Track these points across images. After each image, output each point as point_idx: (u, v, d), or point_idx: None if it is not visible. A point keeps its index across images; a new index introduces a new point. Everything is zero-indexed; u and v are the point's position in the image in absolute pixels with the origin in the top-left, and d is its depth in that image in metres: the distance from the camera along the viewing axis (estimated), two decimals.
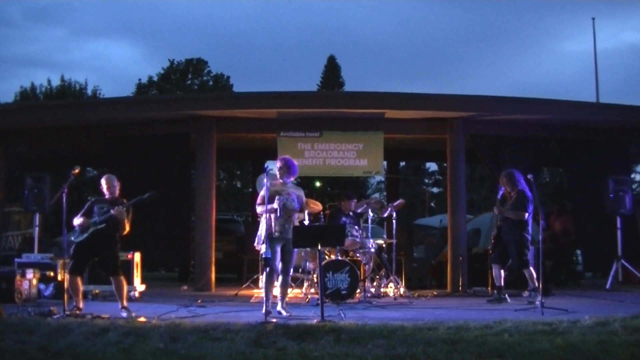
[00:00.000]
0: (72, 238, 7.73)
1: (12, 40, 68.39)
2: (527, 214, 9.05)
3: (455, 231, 11.42)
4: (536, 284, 8.86)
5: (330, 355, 5.18)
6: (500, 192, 9.53)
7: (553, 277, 11.68)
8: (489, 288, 10.45)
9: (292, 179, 8.15)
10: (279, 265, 7.82)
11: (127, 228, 7.80)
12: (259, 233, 7.91)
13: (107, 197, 7.91)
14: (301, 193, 8.13)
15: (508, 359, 5.08)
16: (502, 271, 9.32)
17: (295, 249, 8.05)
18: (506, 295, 9.21)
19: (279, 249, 7.74)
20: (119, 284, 7.67)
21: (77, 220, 7.66)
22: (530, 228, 9.21)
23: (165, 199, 10.88)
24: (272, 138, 11.88)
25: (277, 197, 7.68)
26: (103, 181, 7.97)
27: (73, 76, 58.49)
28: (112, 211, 7.58)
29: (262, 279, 8.25)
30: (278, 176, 8.00)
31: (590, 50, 27.23)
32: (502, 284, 9.30)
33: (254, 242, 8.08)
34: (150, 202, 7.75)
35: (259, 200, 7.94)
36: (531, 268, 9.03)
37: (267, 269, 7.58)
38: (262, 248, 7.65)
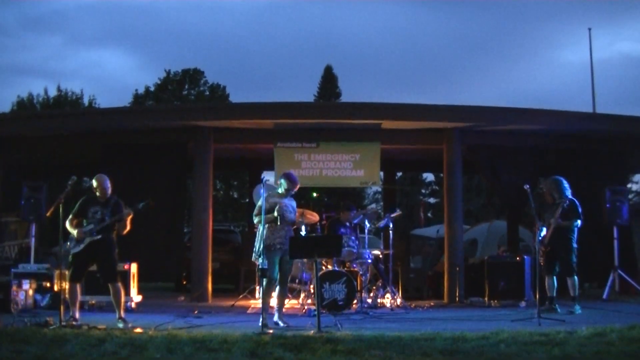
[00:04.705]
0: (70, 249, 7.69)
1: (8, 48, 68.27)
2: (580, 221, 9.03)
3: (452, 241, 11.43)
4: (576, 293, 8.93)
5: None
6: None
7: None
8: (486, 298, 10.47)
9: (293, 191, 8.17)
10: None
11: (128, 227, 7.80)
12: (255, 245, 7.85)
13: (98, 196, 7.78)
14: (294, 204, 8.15)
15: None
16: (554, 280, 9.17)
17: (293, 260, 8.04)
18: (557, 306, 9.01)
19: (277, 260, 7.72)
20: (117, 292, 7.66)
21: (72, 229, 7.63)
22: (576, 236, 9.13)
23: (161, 209, 10.88)
24: (269, 148, 11.90)
25: (276, 207, 7.68)
26: (94, 182, 7.81)
27: (69, 85, 58.17)
28: (107, 219, 7.57)
29: (259, 289, 8.22)
30: (284, 193, 7.98)
31: (587, 60, 27.22)
32: (554, 294, 9.14)
33: (251, 254, 7.92)
34: (144, 211, 7.75)
35: (256, 211, 7.94)
36: (575, 277, 8.97)
37: (265, 280, 7.57)
38: (259, 259, 7.63)
